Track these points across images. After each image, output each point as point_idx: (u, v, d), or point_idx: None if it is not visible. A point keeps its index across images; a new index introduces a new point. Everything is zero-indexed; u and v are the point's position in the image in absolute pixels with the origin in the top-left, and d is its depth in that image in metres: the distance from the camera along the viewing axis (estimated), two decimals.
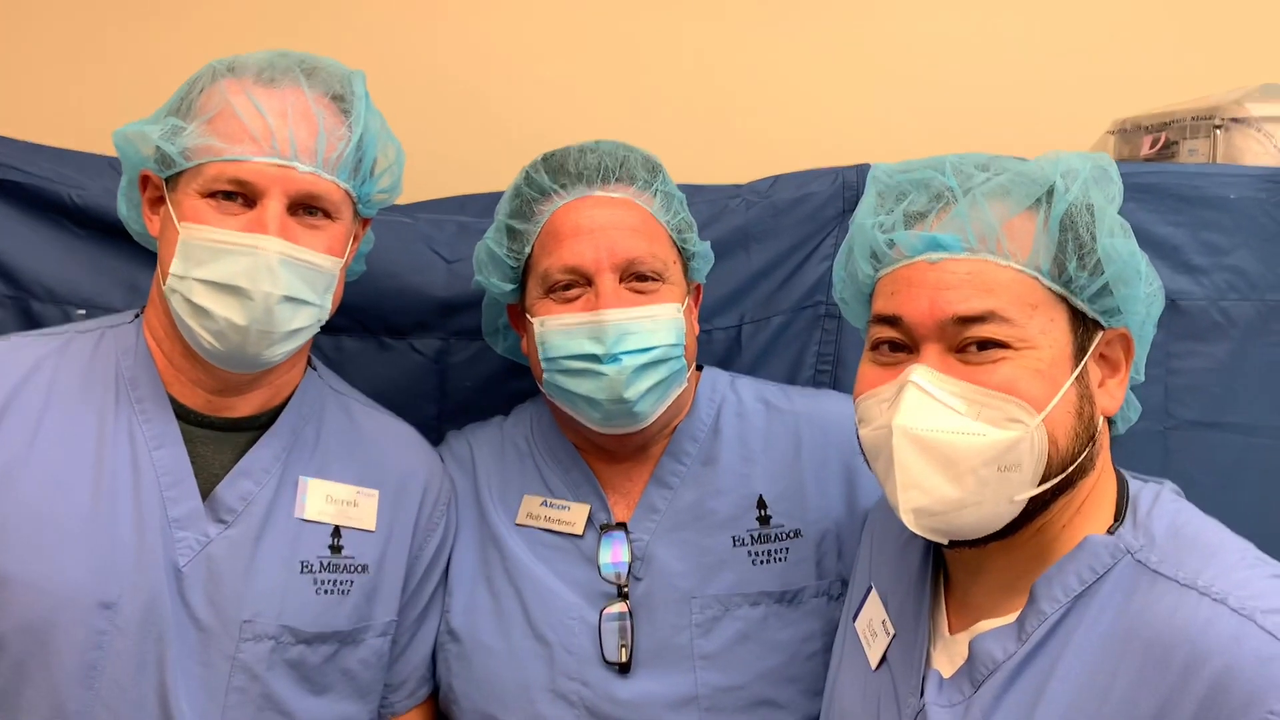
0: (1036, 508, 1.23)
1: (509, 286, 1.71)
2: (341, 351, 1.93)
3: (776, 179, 2.04)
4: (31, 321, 1.82)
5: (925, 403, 1.20)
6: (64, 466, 1.46)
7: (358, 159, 1.52)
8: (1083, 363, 1.24)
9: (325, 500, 1.58)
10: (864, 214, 1.33)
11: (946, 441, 1.19)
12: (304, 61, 1.51)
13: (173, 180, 1.49)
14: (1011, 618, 1.26)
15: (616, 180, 1.66)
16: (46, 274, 1.83)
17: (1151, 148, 2.13)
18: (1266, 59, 2.30)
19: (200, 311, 1.44)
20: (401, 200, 2.03)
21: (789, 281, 2.00)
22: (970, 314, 1.20)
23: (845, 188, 1.99)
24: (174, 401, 1.53)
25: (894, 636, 1.39)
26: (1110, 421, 1.32)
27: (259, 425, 1.58)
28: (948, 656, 1.32)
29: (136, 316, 1.59)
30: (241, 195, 1.45)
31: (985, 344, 1.20)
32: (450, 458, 1.80)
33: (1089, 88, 2.30)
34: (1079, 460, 1.23)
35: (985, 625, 1.28)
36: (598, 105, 2.31)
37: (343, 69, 1.55)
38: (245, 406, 1.56)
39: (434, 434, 1.88)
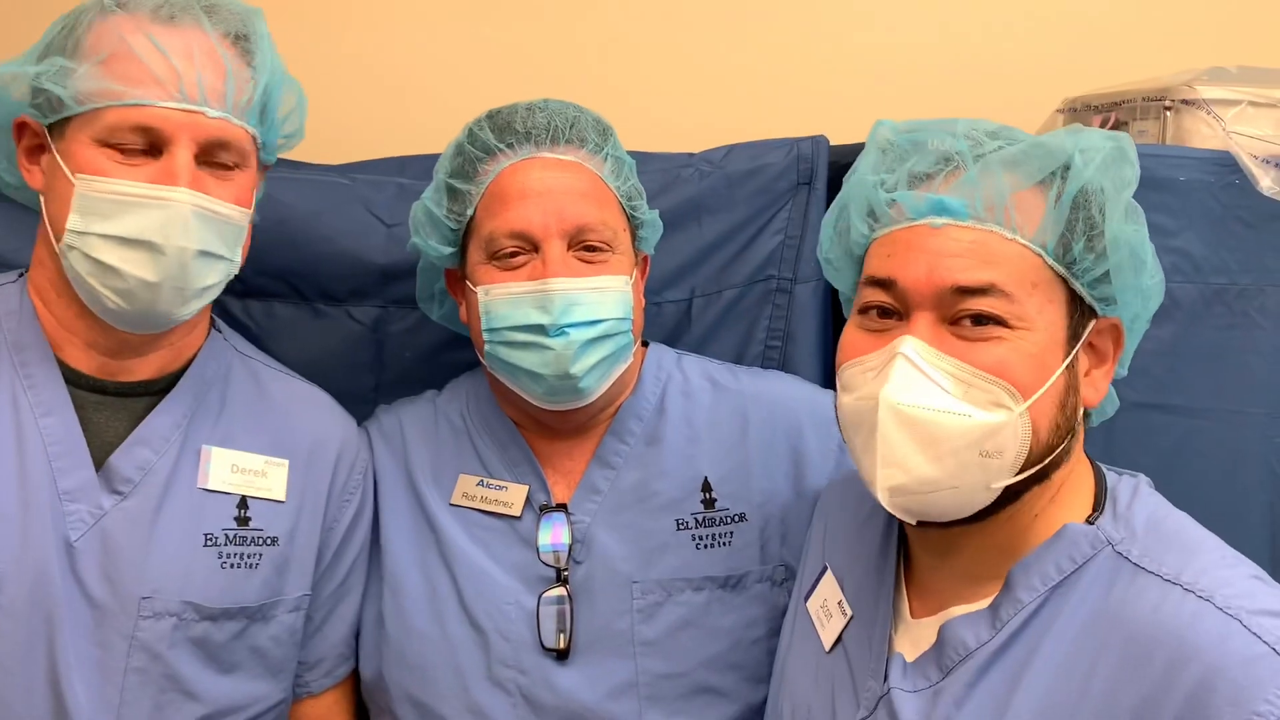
0: (1010, 496, 1.14)
1: (448, 250, 1.55)
2: (274, 319, 1.75)
3: (730, 149, 1.88)
4: None
5: (913, 376, 1.10)
6: None
7: (263, 103, 1.37)
8: (1074, 350, 1.14)
9: (230, 470, 1.42)
10: (864, 170, 1.21)
11: (931, 420, 1.09)
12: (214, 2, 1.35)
13: (58, 127, 1.30)
14: (983, 604, 1.17)
15: (566, 142, 1.50)
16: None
17: (1101, 128, 2.00)
18: (1216, 41, 2.20)
19: (105, 269, 1.27)
20: (338, 160, 1.86)
21: (741, 254, 1.85)
22: (971, 285, 1.10)
23: (800, 159, 1.84)
24: (63, 366, 1.36)
25: (851, 618, 1.29)
26: (1085, 413, 1.21)
27: (158, 390, 1.41)
28: (910, 640, 1.22)
29: (20, 276, 1.41)
30: (144, 143, 1.28)
31: (981, 318, 1.11)
32: (379, 435, 1.63)
33: (1038, 66, 2.18)
34: (1056, 452, 1.14)
35: (956, 611, 1.18)
36: (543, 64, 2.12)
37: (242, 6, 1.39)
38: (143, 370, 1.39)
39: (370, 406, 1.72)
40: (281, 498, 1.45)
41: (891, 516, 1.23)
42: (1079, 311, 1.14)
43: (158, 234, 1.27)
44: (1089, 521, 1.15)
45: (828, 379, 1.80)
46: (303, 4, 2.07)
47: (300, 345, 1.72)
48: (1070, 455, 1.17)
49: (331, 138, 1.97)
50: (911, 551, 1.27)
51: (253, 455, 1.44)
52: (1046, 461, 1.13)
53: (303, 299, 1.76)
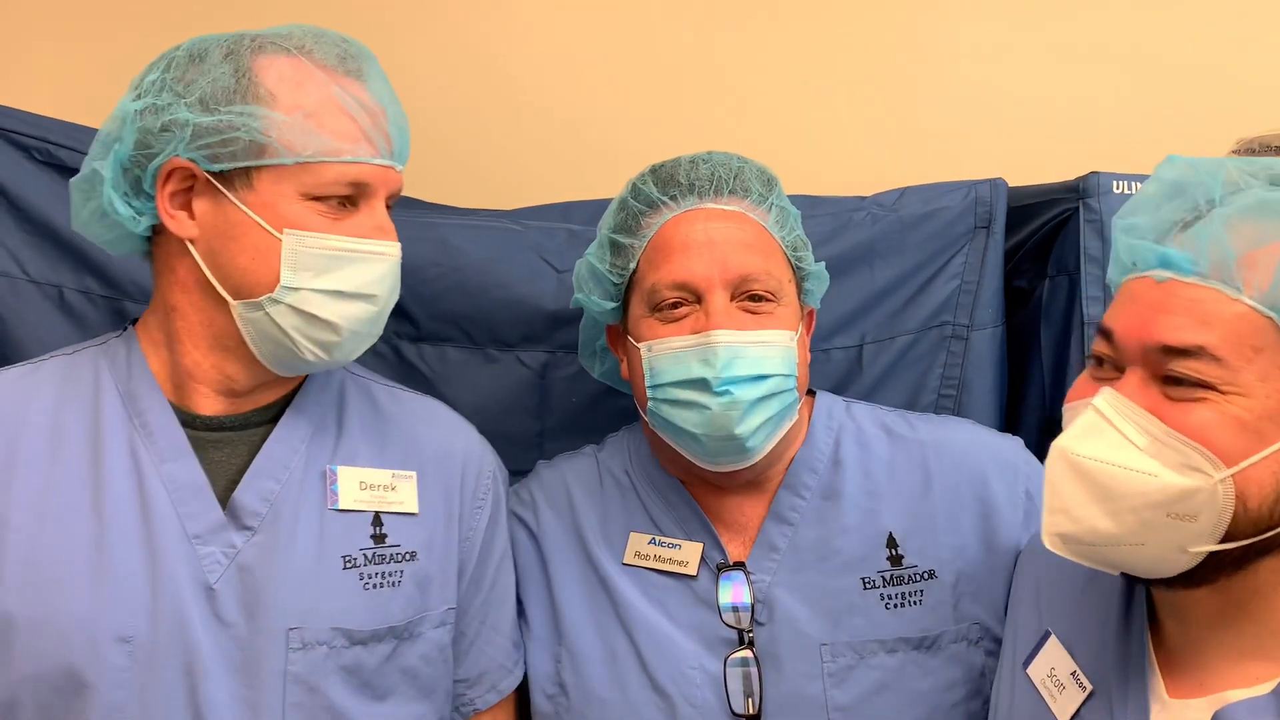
0: (1231, 563, 1.04)
1: (610, 305, 1.51)
2: (446, 363, 1.75)
3: (904, 191, 1.81)
4: (124, 320, 1.63)
5: (1100, 429, 1.05)
6: (58, 498, 1.26)
7: None
8: None
9: (360, 487, 1.38)
10: (1128, 210, 1.14)
11: (1108, 473, 1.04)
12: (362, 49, 1.35)
13: (239, 175, 1.26)
14: (1264, 689, 1.05)
15: (730, 193, 1.45)
16: (142, 273, 1.67)
17: None
18: None
19: (316, 322, 1.27)
20: (502, 205, 1.85)
21: (915, 300, 1.77)
22: (1177, 346, 1.02)
23: (978, 203, 1.76)
24: (179, 410, 1.34)
25: (1091, 693, 1.18)
26: None
27: (271, 418, 1.38)
28: None
29: (125, 329, 1.40)
30: (348, 196, 1.30)
31: (1188, 380, 1.02)
32: (541, 492, 1.59)
33: (1211, 105, 1.99)
34: None
35: (1231, 695, 1.07)
36: (708, 112, 2.06)
37: (368, 49, 1.38)
38: (265, 398, 1.38)
39: (535, 451, 1.70)
40: (414, 510, 1.40)
41: (1130, 582, 1.16)
42: None
43: (377, 286, 1.29)
44: None
45: (1005, 429, 1.72)
46: (461, 53, 2.06)
47: (470, 390, 1.71)
48: None
49: (499, 181, 1.99)
50: (1160, 624, 1.17)
51: (379, 470, 1.41)
52: (1270, 534, 1.02)
53: (475, 344, 1.76)
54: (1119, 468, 1.03)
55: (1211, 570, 1.04)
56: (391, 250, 1.31)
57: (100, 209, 1.31)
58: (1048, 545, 1.10)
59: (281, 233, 1.25)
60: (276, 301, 1.26)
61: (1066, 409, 1.13)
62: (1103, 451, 1.04)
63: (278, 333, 1.27)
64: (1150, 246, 1.07)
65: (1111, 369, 1.09)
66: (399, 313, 1.71)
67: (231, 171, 1.26)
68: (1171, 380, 1.03)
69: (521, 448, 1.61)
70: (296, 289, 1.26)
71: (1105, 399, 1.05)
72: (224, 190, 1.26)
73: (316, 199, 1.26)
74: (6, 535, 1.25)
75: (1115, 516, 1.04)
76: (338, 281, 1.27)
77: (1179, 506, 1.01)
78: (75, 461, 1.29)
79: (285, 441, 1.36)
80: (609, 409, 1.73)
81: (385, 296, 1.31)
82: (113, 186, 1.29)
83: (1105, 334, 1.09)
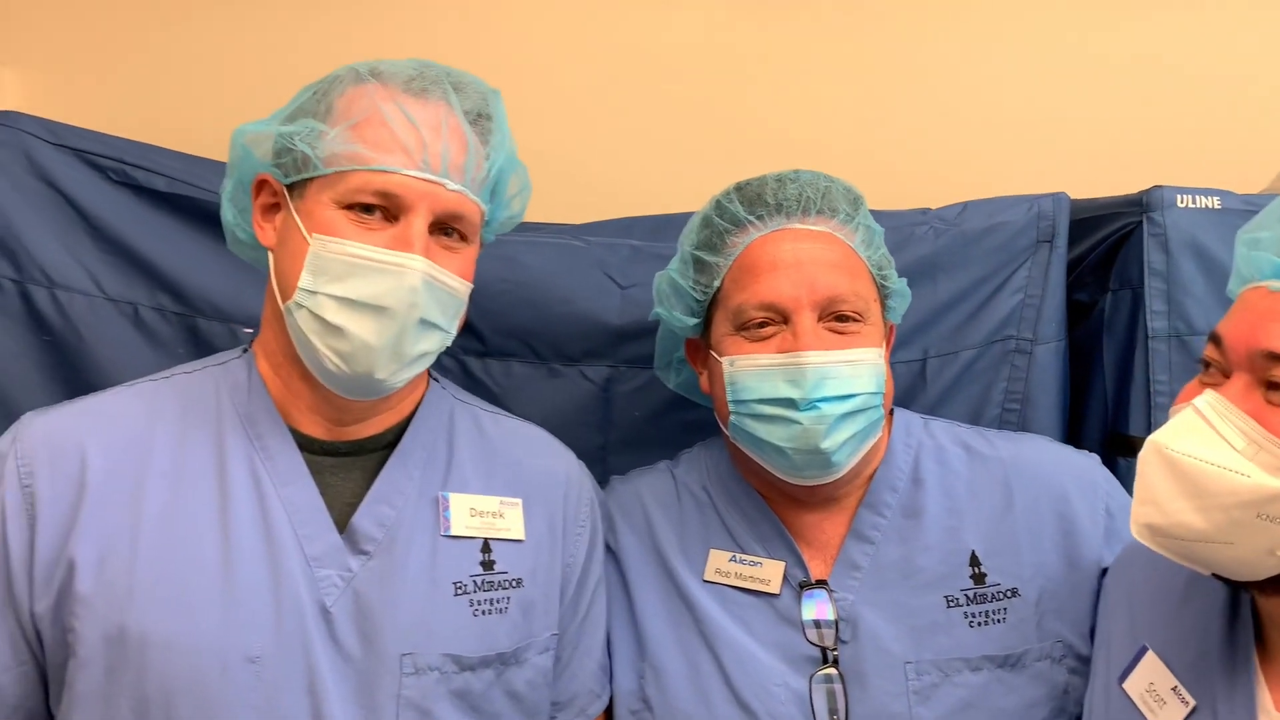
0: None
1: (692, 321, 1.51)
2: (511, 378, 1.77)
3: (966, 206, 1.81)
4: (198, 339, 1.68)
5: (1198, 428, 1.08)
6: (186, 517, 1.28)
7: (495, 181, 1.37)
8: None
9: (470, 514, 1.39)
10: (1255, 224, 1.16)
11: (1199, 469, 1.06)
12: (450, 74, 1.34)
13: (299, 187, 1.30)
14: None
15: (817, 212, 1.45)
16: (215, 291, 1.69)
17: None
18: None
19: (331, 330, 1.26)
20: (564, 220, 1.85)
21: (978, 314, 1.77)
22: None
23: (1040, 217, 1.77)
24: (295, 433, 1.35)
25: (1194, 709, 1.19)
26: None
27: (386, 444, 1.39)
28: None
29: (245, 351, 1.42)
30: (382, 208, 1.28)
31: None
32: (617, 508, 1.58)
33: (1272, 120, 2.00)
34: None
35: None
36: (768, 125, 2.05)
37: (485, 86, 1.38)
38: (369, 429, 1.39)
39: (599, 465, 1.70)
40: (521, 537, 1.41)
41: (1233, 596, 1.17)
42: None
43: (388, 298, 1.25)
44: None
45: (1067, 443, 1.70)
46: (535, 66, 2.06)
47: (534, 404, 1.72)
48: None
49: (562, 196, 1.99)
50: (1266, 636, 1.17)
51: (488, 497, 1.42)
52: None
53: (539, 359, 1.76)
54: (1212, 465, 1.05)
55: None
56: (409, 263, 1.25)
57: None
58: (1135, 535, 1.12)
59: (311, 236, 1.27)
60: (300, 306, 1.27)
61: (1171, 412, 1.15)
62: (1197, 449, 1.06)
63: (303, 338, 1.28)
64: (1269, 258, 1.09)
65: (1218, 374, 1.11)
66: (465, 328, 1.73)
67: (296, 184, 1.30)
68: (1275, 386, 1.05)
69: (585, 462, 1.59)
70: (314, 293, 1.26)
71: (1206, 400, 1.08)
72: (289, 201, 1.30)
73: (349, 207, 1.27)
74: (137, 552, 1.25)
75: (1205, 513, 1.06)
76: (350, 289, 1.25)
77: (1270, 508, 1.03)
78: (199, 481, 1.30)
79: (402, 469, 1.37)
80: (672, 423, 1.74)
81: (404, 312, 1.26)
82: (229, 196, 1.39)
83: (1215, 340, 1.12)
